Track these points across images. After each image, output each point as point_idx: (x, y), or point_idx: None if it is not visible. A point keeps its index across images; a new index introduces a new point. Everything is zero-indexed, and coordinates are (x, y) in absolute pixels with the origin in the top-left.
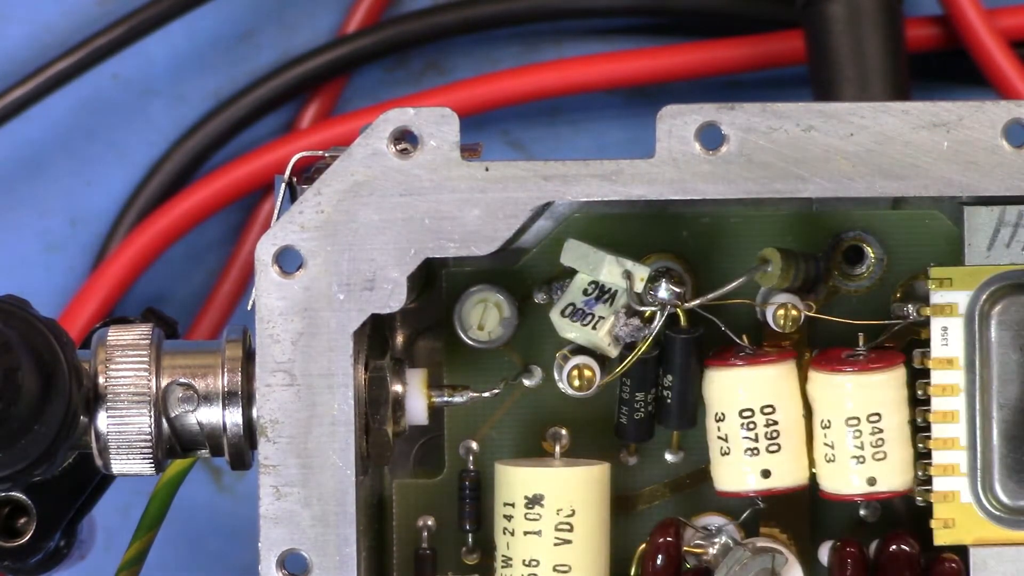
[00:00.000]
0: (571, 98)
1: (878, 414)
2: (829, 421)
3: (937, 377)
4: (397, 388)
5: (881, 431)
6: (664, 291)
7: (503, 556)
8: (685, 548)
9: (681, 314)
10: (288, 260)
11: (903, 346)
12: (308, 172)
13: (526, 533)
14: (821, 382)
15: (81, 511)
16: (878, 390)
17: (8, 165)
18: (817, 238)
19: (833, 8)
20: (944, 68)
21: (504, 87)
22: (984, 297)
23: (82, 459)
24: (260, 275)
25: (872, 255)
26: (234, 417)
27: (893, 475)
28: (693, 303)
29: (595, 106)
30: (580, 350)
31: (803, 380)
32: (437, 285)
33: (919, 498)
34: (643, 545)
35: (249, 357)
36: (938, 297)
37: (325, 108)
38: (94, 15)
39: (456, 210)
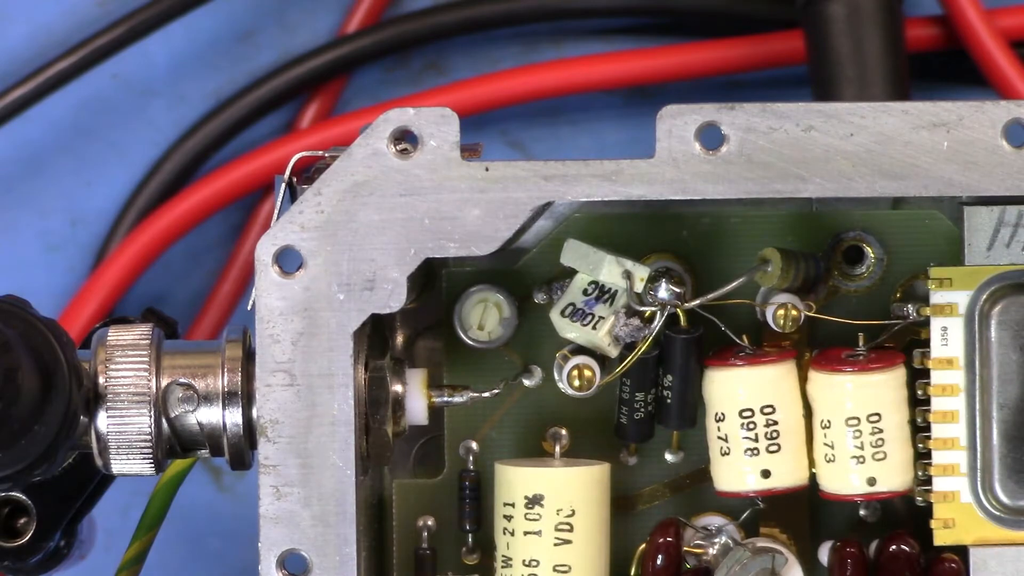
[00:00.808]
0: (571, 98)
1: (878, 414)
2: (829, 421)
3: (937, 377)
4: (397, 388)
5: (881, 431)
6: (664, 291)
7: (503, 556)
8: (685, 548)
9: (681, 314)
10: (288, 260)
11: (903, 346)
12: (308, 172)
13: (526, 533)
14: (821, 382)
15: (81, 511)
16: (878, 390)
17: (8, 165)
18: (817, 238)
19: (833, 8)
20: (944, 68)
21: (504, 87)
22: (984, 297)
23: (82, 459)
24: (260, 275)
25: (872, 255)
26: (234, 417)
27: (893, 475)
28: (693, 303)
29: (595, 106)
30: (580, 350)
31: (803, 380)
32: (437, 285)
33: (919, 498)
34: (643, 545)
35: (249, 357)
36: (938, 297)
37: (325, 108)
38: (94, 15)
39: (456, 210)
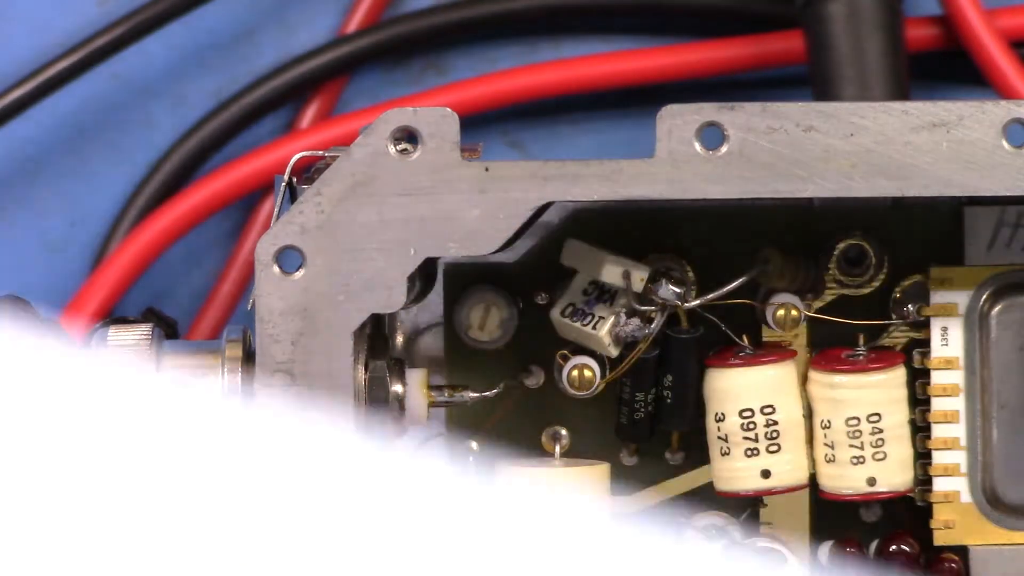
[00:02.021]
0: (571, 98)
1: (878, 414)
2: (829, 421)
3: (937, 377)
4: (397, 388)
5: (881, 431)
6: (664, 291)
7: None
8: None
9: (681, 314)
10: (288, 260)
11: (903, 346)
12: (308, 172)
13: None
14: (821, 382)
15: None
16: (878, 390)
17: (8, 165)
18: (817, 238)
19: (833, 8)
20: (944, 68)
21: (504, 87)
22: (984, 297)
23: None
24: (260, 275)
25: (872, 255)
26: None
27: (893, 475)
28: (693, 303)
29: (595, 106)
30: (580, 350)
31: (803, 380)
32: (437, 285)
33: (919, 498)
34: None
35: (249, 357)
36: (938, 297)
37: (325, 108)
38: (94, 15)
39: (456, 210)
